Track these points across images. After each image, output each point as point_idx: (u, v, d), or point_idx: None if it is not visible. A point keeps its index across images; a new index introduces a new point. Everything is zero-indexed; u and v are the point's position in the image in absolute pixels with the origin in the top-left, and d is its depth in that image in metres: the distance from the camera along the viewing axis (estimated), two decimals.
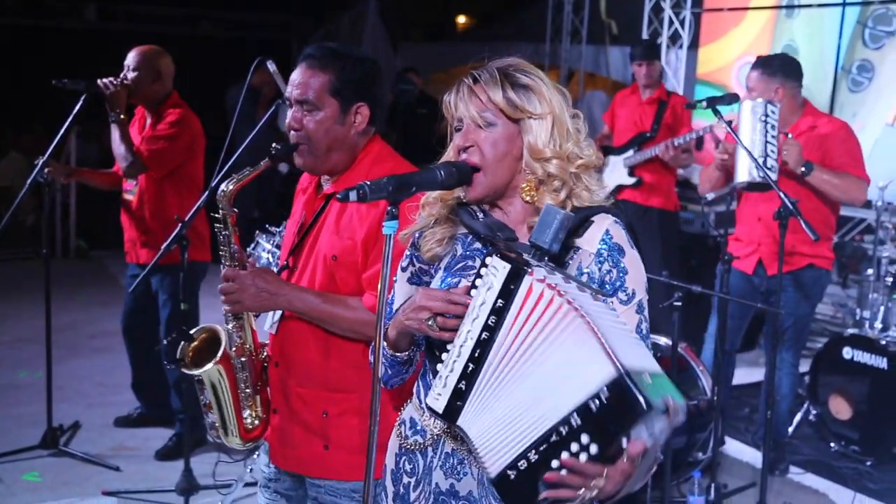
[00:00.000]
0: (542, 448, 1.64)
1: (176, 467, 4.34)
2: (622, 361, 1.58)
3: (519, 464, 1.66)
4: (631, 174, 6.47)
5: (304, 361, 2.54)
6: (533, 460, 1.65)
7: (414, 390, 2.06)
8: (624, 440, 1.59)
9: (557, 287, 1.67)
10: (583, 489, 1.62)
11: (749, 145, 4.12)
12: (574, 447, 1.61)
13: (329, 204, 2.54)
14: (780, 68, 4.59)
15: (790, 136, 4.42)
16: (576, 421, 1.61)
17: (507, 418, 1.69)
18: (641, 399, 1.55)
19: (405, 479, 2.01)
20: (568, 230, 1.82)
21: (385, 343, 1.98)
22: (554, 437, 1.63)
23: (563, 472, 1.62)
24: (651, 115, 6.49)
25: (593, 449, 1.60)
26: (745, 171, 4.28)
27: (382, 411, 1.92)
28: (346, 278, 2.48)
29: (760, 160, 4.10)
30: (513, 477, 1.67)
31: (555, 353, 1.66)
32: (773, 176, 4.14)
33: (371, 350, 2.04)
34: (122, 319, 5.14)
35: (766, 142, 4.18)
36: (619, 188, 6.50)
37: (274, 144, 2.52)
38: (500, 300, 1.71)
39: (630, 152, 6.45)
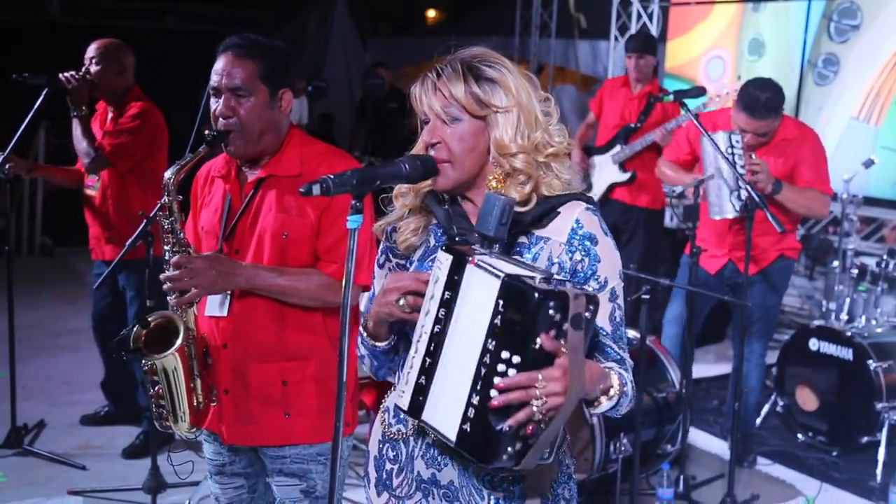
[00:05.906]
0: (478, 387, 1.66)
1: (143, 465, 4.30)
2: (504, 271, 1.64)
3: (468, 413, 1.67)
4: (623, 169, 6.13)
5: (261, 337, 2.61)
6: (476, 403, 1.66)
7: (396, 379, 2.05)
8: (540, 338, 1.60)
9: (491, 266, 1.68)
10: (532, 400, 1.62)
11: (720, 177, 4.27)
12: (501, 367, 1.64)
13: (261, 186, 2.61)
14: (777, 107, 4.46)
15: (753, 156, 4.40)
16: (491, 344, 1.65)
17: (454, 391, 1.70)
18: (530, 290, 1.60)
19: (388, 466, 2.01)
20: (528, 221, 1.84)
21: (365, 333, 1.99)
22: (483, 370, 1.66)
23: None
24: (640, 110, 6.15)
25: (516, 359, 1.62)
26: (729, 208, 4.37)
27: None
28: (297, 253, 2.58)
29: (735, 193, 4.24)
30: (469, 429, 1.68)
31: (469, 311, 1.70)
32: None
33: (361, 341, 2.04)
34: (91, 317, 5.07)
35: (738, 175, 4.18)
36: (612, 187, 6.19)
37: (207, 132, 2.56)
38: (447, 292, 1.73)
39: (617, 147, 6.14)
